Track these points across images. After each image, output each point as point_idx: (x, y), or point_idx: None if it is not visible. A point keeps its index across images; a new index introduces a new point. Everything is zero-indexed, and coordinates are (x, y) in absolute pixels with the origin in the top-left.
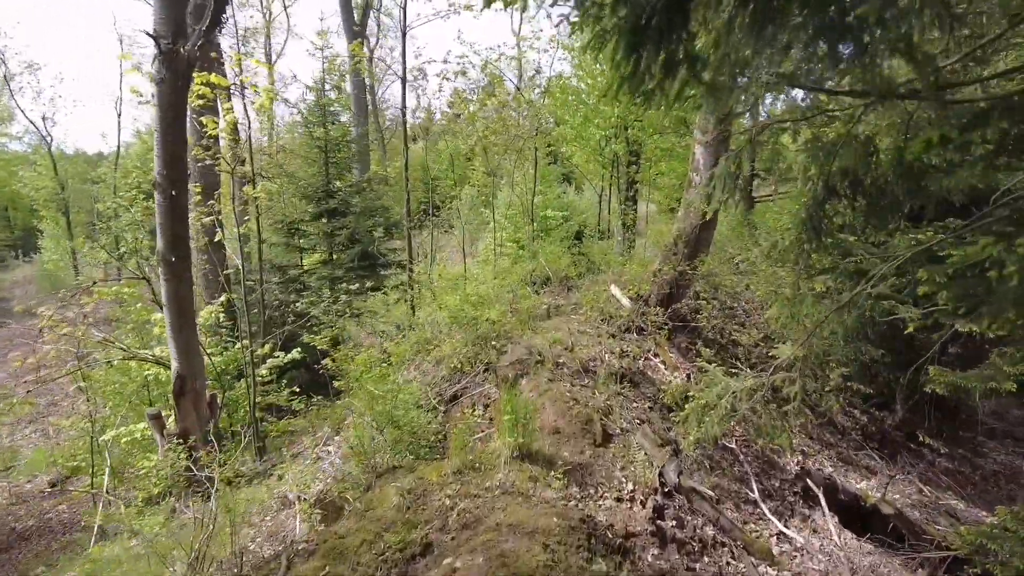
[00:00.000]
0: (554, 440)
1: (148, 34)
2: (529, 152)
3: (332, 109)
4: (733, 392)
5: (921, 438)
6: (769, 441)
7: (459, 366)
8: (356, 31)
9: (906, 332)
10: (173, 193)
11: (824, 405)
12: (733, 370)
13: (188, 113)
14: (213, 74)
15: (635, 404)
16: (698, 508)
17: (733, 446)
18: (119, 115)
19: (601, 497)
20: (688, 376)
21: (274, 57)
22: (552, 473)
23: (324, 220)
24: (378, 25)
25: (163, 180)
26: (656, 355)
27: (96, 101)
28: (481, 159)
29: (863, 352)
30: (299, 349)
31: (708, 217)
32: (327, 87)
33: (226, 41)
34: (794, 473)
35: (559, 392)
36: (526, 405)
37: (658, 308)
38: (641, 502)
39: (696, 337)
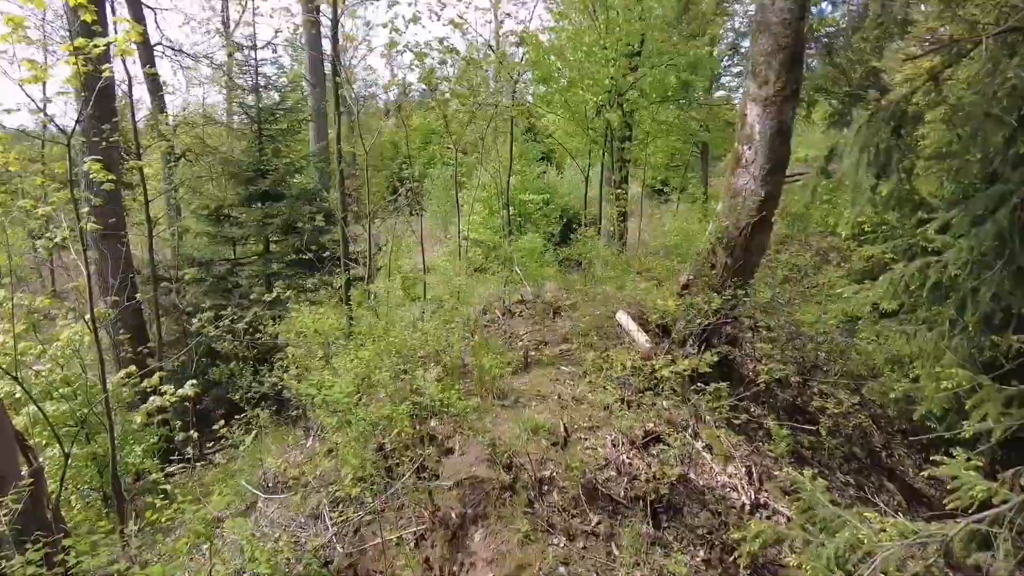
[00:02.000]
0: None
1: None
2: (504, 125)
3: (265, 71)
4: (881, 554)
5: None
6: None
7: (365, 480)
8: None
9: None
10: None
11: None
12: (826, 469)
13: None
14: None
15: (680, 558)
16: None
17: None
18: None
19: None
20: (750, 473)
21: (232, 26)
22: None
23: (259, 204)
24: None
25: None
26: (696, 433)
27: None
28: (453, 132)
29: None
30: (194, 382)
31: (764, 212)
32: (259, 44)
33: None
34: None
35: (545, 565)
36: None
37: (690, 347)
38: None
39: (746, 392)
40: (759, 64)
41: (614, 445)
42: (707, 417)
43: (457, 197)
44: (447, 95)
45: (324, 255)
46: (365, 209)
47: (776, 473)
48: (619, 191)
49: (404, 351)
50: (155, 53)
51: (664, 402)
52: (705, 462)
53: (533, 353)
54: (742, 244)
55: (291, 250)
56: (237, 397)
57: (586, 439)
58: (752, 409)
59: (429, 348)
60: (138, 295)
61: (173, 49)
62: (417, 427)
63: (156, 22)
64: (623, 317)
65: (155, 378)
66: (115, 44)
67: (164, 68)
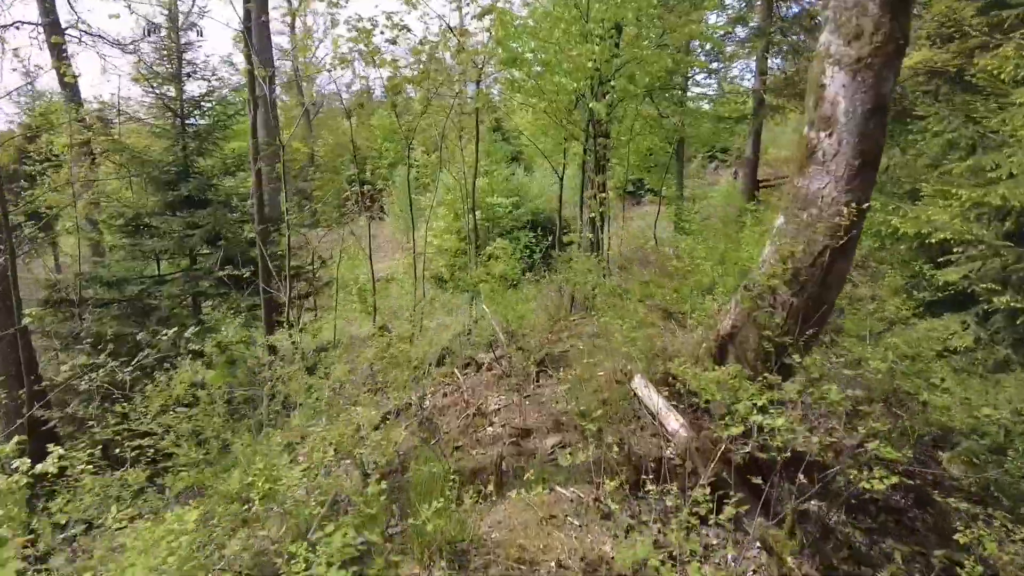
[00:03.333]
0: None
1: None
2: (467, 122)
3: (191, 57)
4: None
5: None
6: None
7: None
8: None
9: None
10: None
11: None
12: None
13: None
14: None
15: None
16: None
17: None
18: None
19: None
20: None
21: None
22: None
23: (180, 213)
24: None
25: None
26: None
27: None
28: (404, 124)
29: None
30: (62, 453)
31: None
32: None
33: None
34: None
35: None
36: None
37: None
38: None
39: (829, 504)
40: (845, 10)
41: None
42: (787, 558)
43: (411, 200)
44: (396, 79)
45: (248, 273)
46: (315, 215)
47: None
48: (602, 195)
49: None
50: (67, 37)
51: (728, 547)
52: None
53: (510, 454)
54: (817, 277)
55: (218, 265)
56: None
57: None
58: (843, 530)
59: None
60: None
61: (89, 34)
62: None
63: (70, 3)
64: (643, 387)
65: (10, 445)
66: None
67: (83, 58)
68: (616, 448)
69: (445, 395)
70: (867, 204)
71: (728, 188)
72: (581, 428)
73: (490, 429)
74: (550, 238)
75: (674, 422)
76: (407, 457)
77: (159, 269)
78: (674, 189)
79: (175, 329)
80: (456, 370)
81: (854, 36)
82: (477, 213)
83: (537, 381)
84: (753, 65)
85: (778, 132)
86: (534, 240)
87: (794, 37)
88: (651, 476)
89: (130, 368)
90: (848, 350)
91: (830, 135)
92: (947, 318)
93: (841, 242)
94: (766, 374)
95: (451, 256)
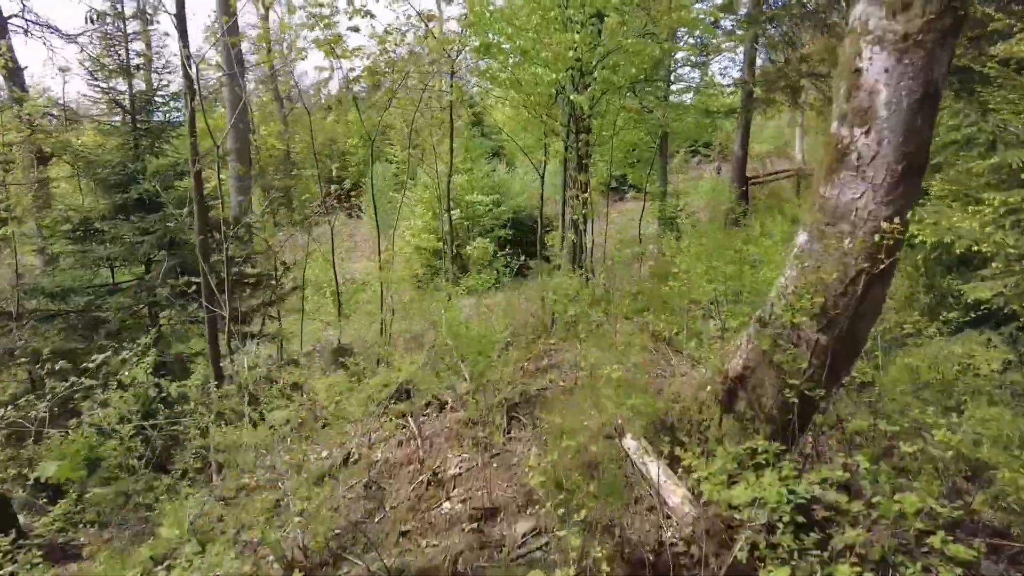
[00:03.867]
0: None
1: None
2: (443, 117)
3: (140, 48)
4: None
5: None
6: None
7: None
8: None
9: None
10: None
11: None
12: None
13: None
14: None
15: None
16: None
17: None
18: None
19: None
20: None
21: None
22: None
23: (130, 217)
24: None
25: None
26: None
27: None
28: (368, 121)
29: None
30: None
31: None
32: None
33: None
34: None
35: None
36: None
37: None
38: None
39: None
40: None
41: None
42: None
43: (375, 200)
44: (356, 71)
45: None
46: (287, 216)
47: None
48: (584, 195)
49: None
50: (10, 28)
51: None
52: None
53: (470, 547)
54: (849, 308)
55: (160, 275)
56: None
57: None
58: None
59: None
60: None
61: (37, 24)
62: None
63: None
64: (635, 449)
65: None
66: None
67: (31, 50)
68: (603, 533)
69: (400, 444)
70: (906, 216)
71: (712, 183)
72: (556, 505)
73: (447, 505)
74: (522, 257)
75: (675, 496)
76: (344, 538)
77: (113, 277)
78: (657, 185)
79: (107, 353)
80: (410, 418)
81: (901, 6)
82: (455, 212)
83: (508, 431)
84: (741, 58)
85: (760, 126)
86: (508, 252)
87: (783, 28)
88: (648, 571)
89: (45, 404)
90: (906, 408)
91: (867, 132)
92: (966, 337)
93: (880, 270)
94: (806, 448)
95: (429, 256)
